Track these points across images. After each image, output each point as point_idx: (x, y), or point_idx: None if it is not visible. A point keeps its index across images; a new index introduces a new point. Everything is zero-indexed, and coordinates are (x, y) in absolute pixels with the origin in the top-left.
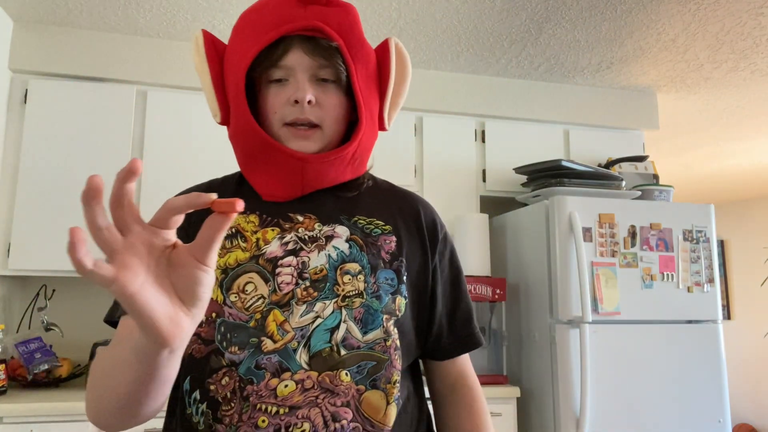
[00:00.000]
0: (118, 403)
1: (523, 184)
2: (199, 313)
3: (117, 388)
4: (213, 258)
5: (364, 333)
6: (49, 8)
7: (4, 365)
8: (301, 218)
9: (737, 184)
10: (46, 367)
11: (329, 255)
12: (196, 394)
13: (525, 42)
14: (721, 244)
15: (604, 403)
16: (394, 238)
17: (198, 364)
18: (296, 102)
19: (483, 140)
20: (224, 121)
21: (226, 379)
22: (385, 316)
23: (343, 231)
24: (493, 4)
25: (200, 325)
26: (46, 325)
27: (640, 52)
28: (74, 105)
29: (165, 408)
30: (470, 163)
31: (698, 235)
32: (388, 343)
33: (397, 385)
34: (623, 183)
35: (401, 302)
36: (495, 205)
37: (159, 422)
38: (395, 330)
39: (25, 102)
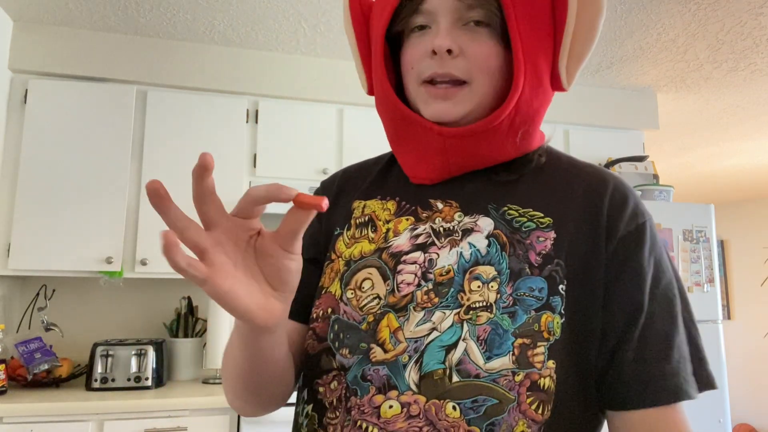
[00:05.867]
0: (242, 383)
1: None
2: (291, 294)
3: (237, 370)
4: (298, 246)
5: (488, 358)
6: (49, 8)
7: (4, 365)
8: (441, 206)
9: (737, 184)
10: (46, 367)
11: (461, 253)
12: (305, 394)
13: None
14: (721, 244)
15: None
16: (552, 235)
17: (310, 361)
18: (434, 53)
19: None
20: (370, 90)
21: (335, 383)
22: (518, 341)
23: (486, 224)
24: None
25: (316, 320)
26: (46, 325)
27: (640, 52)
28: (74, 105)
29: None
30: None
31: (698, 235)
32: (518, 378)
33: None
34: None
35: (555, 322)
36: None
37: (151, 423)
38: (543, 362)
39: (25, 102)
